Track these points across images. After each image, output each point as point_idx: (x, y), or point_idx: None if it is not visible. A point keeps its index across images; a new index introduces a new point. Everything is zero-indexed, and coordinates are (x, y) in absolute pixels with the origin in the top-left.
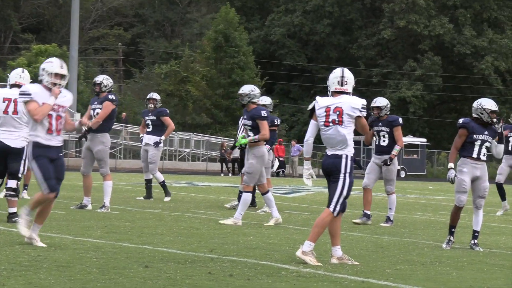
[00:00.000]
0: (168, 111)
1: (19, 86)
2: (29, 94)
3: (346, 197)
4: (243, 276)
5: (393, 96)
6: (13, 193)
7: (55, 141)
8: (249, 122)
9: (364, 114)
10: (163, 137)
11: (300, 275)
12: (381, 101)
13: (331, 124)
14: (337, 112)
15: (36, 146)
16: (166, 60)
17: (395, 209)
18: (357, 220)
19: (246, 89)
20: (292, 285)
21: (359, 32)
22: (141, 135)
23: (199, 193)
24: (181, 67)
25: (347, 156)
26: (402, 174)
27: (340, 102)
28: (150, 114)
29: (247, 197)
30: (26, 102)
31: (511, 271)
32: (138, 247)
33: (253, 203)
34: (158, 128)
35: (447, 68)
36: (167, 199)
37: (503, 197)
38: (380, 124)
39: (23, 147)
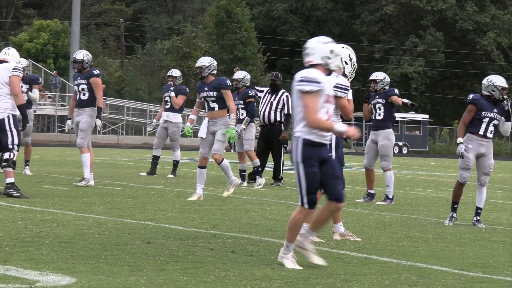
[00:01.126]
0: (186, 90)
1: (4, 62)
2: (319, 83)
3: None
4: (246, 253)
5: (395, 72)
6: (5, 163)
7: (328, 137)
8: (213, 93)
9: (340, 94)
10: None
11: None
12: (377, 75)
13: None
14: None
15: (308, 144)
16: (168, 36)
17: (393, 186)
18: (360, 200)
19: (205, 61)
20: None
21: (361, 8)
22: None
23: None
24: (183, 43)
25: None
26: (404, 150)
27: None
28: (169, 91)
29: (225, 163)
30: (309, 93)
31: None
32: (140, 223)
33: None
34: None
35: (450, 44)
36: (171, 176)
37: None
38: (377, 97)
39: (3, 119)
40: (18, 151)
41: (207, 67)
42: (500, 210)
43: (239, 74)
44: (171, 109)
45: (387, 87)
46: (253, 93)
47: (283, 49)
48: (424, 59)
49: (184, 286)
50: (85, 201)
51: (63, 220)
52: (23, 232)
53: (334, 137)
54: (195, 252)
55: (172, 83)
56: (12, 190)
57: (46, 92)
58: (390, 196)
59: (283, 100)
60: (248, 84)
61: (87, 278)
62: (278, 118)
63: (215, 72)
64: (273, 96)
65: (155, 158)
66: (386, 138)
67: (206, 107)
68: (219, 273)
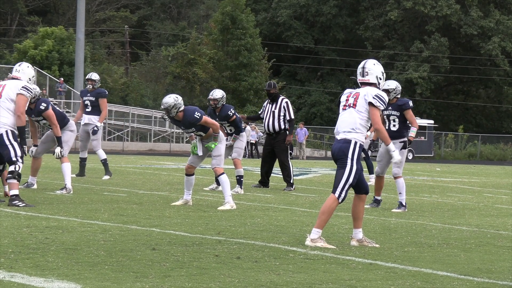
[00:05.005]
0: (106, 93)
1: (16, 79)
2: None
3: (351, 184)
4: (251, 259)
5: (400, 77)
6: (10, 175)
7: None
8: (192, 129)
9: (379, 104)
10: (98, 124)
11: (307, 257)
12: (389, 84)
13: (347, 107)
14: (355, 97)
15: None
16: (173, 43)
17: (405, 193)
18: (366, 206)
19: (170, 101)
20: (299, 267)
21: (365, 13)
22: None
23: (207, 175)
24: (188, 49)
25: (356, 142)
26: (410, 156)
27: (361, 90)
28: (89, 94)
29: (225, 178)
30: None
31: None
32: (145, 229)
33: (266, 185)
34: (97, 109)
35: (454, 49)
36: (106, 177)
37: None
38: (390, 108)
39: (1, 134)
40: (22, 163)
41: (173, 106)
42: (505, 215)
43: (218, 94)
44: (92, 112)
45: (399, 96)
46: (233, 112)
47: (288, 55)
48: (429, 64)
49: None
50: (90, 207)
51: (68, 226)
52: (28, 239)
53: (352, 147)
54: (200, 258)
55: (91, 86)
56: (17, 201)
57: (51, 99)
58: (404, 203)
59: (284, 107)
60: (223, 103)
61: (92, 285)
62: (282, 126)
63: (182, 108)
64: (273, 105)
65: (83, 160)
66: (401, 146)
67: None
68: (224, 279)
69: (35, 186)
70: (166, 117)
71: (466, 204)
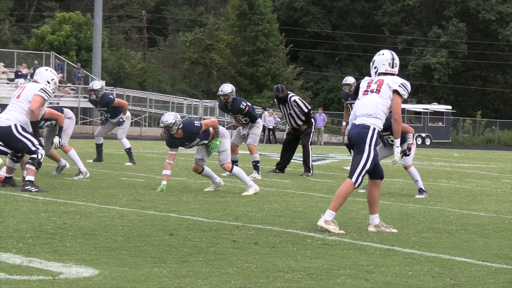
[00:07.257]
0: (112, 98)
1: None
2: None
3: (368, 170)
4: (268, 244)
5: (418, 63)
6: (30, 161)
7: None
8: (196, 141)
9: (404, 93)
10: (124, 118)
11: (325, 243)
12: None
13: (369, 92)
14: (378, 83)
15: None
16: (191, 28)
17: (420, 179)
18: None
19: (170, 119)
20: (317, 253)
21: None
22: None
23: None
24: (205, 35)
25: (374, 128)
26: (427, 142)
27: (384, 77)
28: (99, 106)
29: (237, 170)
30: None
31: None
32: (163, 215)
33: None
34: (116, 110)
35: (472, 34)
36: (128, 164)
37: None
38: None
39: (9, 126)
40: (43, 149)
41: (174, 124)
42: None
43: (227, 89)
44: (114, 116)
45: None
46: (245, 104)
47: (305, 41)
48: (447, 50)
49: (207, 277)
50: (108, 193)
51: (86, 212)
52: (46, 224)
53: (370, 133)
54: (218, 243)
55: (94, 96)
56: (29, 186)
57: (69, 84)
58: (424, 188)
59: (295, 106)
60: (234, 96)
61: (110, 270)
62: (304, 120)
63: (181, 125)
64: (287, 107)
65: (99, 146)
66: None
67: None
68: (242, 265)
69: (67, 165)
70: (166, 135)
71: (484, 190)
